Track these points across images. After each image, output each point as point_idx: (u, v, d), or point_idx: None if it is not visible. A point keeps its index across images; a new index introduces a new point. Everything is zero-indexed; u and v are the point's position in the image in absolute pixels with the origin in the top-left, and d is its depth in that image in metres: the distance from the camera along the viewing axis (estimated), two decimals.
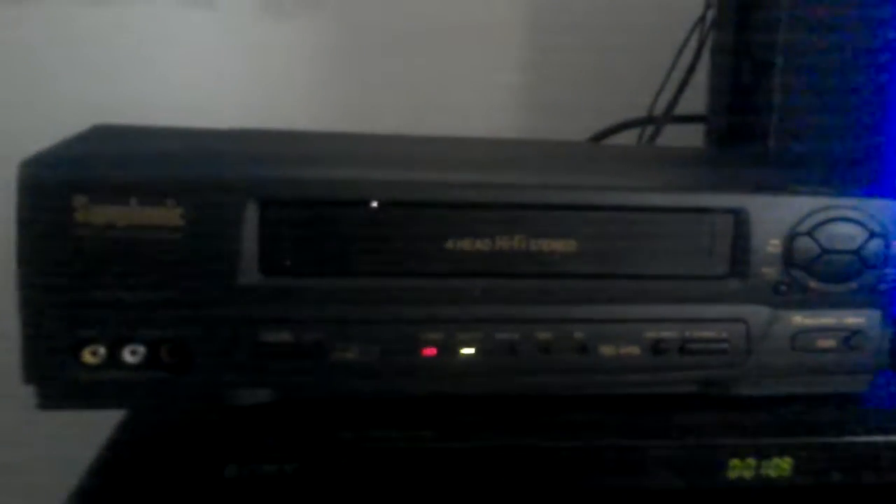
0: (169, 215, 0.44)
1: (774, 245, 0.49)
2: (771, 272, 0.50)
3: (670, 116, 0.77)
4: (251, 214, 0.45)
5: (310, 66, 0.88)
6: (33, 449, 0.76)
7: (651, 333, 0.49)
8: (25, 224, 0.43)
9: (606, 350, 0.49)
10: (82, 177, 0.43)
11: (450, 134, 0.68)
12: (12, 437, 0.78)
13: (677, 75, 0.77)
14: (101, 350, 0.45)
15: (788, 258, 0.50)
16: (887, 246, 0.51)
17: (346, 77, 0.88)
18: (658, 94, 0.79)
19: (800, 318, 0.51)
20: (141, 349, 0.45)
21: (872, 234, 0.50)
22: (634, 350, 0.49)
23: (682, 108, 0.78)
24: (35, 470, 0.73)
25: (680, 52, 0.78)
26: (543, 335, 0.48)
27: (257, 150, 0.56)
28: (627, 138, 0.82)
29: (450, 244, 0.47)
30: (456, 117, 0.86)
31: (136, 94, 0.83)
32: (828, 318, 0.51)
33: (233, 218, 0.45)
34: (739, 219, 0.49)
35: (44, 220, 0.43)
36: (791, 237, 0.49)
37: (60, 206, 0.43)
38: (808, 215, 0.50)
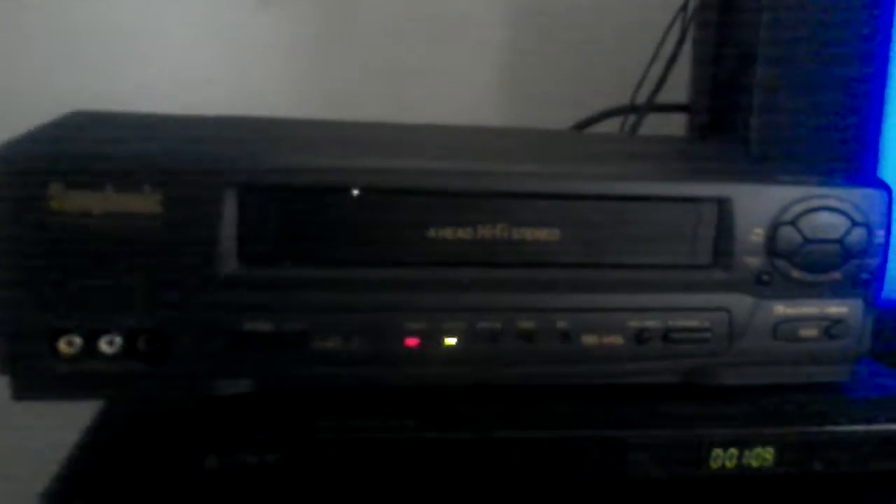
0: (146, 202, 0.43)
1: (758, 234, 0.49)
2: (754, 261, 0.50)
3: (653, 105, 0.77)
4: (230, 201, 0.44)
5: (290, 53, 0.87)
6: (8, 440, 0.75)
7: (634, 323, 0.49)
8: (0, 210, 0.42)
9: (589, 339, 0.49)
10: (58, 163, 0.43)
11: (432, 122, 0.67)
12: None
13: (659, 64, 0.77)
14: (78, 340, 0.44)
15: (771, 247, 0.50)
16: (870, 235, 0.51)
17: (327, 65, 0.88)
18: (640, 83, 0.79)
19: (782, 308, 0.51)
20: (118, 339, 0.45)
21: (855, 224, 0.50)
22: (617, 339, 0.49)
23: (665, 97, 0.77)
24: (11, 461, 0.72)
25: (662, 41, 0.78)
26: (526, 324, 0.48)
27: (237, 136, 0.55)
28: (610, 127, 0.81)
29: (432, 232, 0.47)
30: (438, 105, 0.85)
31: (113, 82, 0.82)
32: (810, 308, 0.51)
33: (211, 205, 0.44)
34: (723, 208, 0.49)
35: (18, 207, 0.42)
36: (774, 226, 0.49)
37: (35, 193, 0.42)
38: (792, 204, 0.50)
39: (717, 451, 0.49)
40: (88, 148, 0.46)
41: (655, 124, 0.79)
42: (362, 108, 0.81)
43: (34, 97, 0.77)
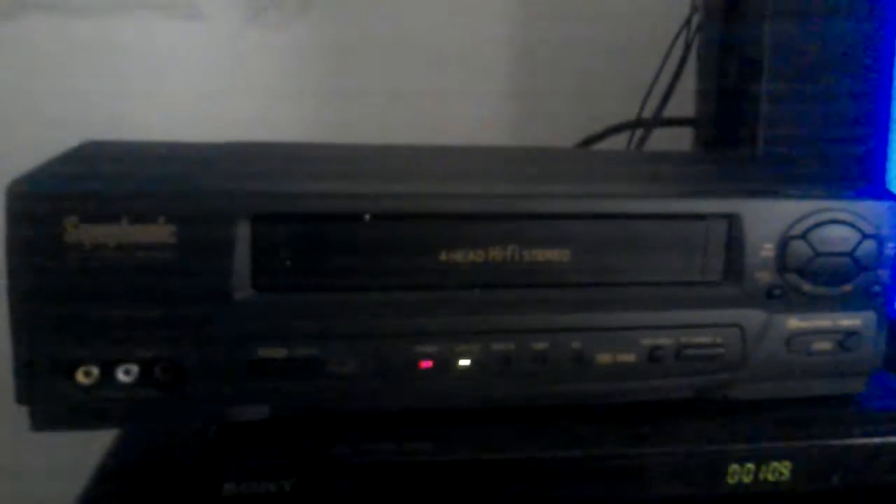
0: (160, 233, 0.44)
1: (768, 249, 0.49)
2: (765, 276, 0.50)
3: (659, 120, 0.77)
4: (243, 230, 0.45)
5: (297, 77, 0.88)
6: (26, 469, 0.76)
7: (647, 340, 0.49)
8: (15, 245, 0.43)
9: (602, 358, 0.49)
10: (72, 197, 0.43)
11: (438, 142, 0.68)
12: (6, 458, 0.77)
13: (665, 79, 0.77)
14: (95, 370, 0.44)
15: (782, 262, 0.50)
16: (880, 247, 0.51)
17: (333, 88, 0.88)
18: (646, 98, 0.79)
19: (795, 322, 0.51)
20: (134, 368, 0.45)
21: (865, 236, 0.50)
22: (630, 357, 0.49)
23: (671, 111, 0.78)
24: (29, 490, 0.72)
25: (667, 55, 0.78)
26: (539, 345, 0.48)
27: (247, 163, 0.56)
28: (617, 142, 0.81)
29: (443, 256, 0.47)
30: (444, 125, 0.86)
31: (122, 108, 0.82)
32: (823, 321, 0.51)
33: (224, 234, 0.44)
34: (733, 224, 0.49)
35: (34, 241, 0.43)
36: (784, 241, 0.49)
37: (50, 227, 0.43)
38: (801, 219, 0.50)
39: (734, 467, 0.49)
40: (102, 181, 0.46)
41: (662, 138, 0.80)
42: (369, 131, 0.81)
43: (40, 125, 0.78)
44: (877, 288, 0.51)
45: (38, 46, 0.83)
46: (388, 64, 0.88)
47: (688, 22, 0.77)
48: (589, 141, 0.80)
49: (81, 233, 0.43)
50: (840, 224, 0.50)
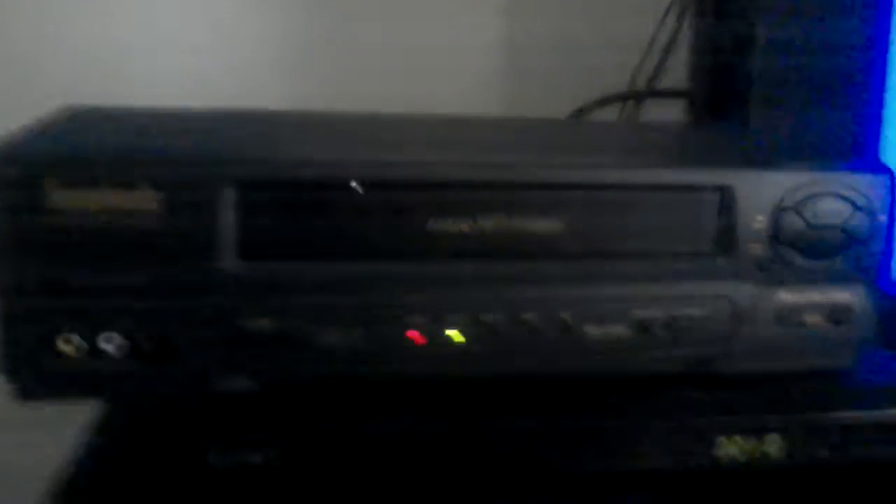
0: (143, 199, 0.43)
1: (760, 221, 0.49)
2: (757, 249, 0.49)
3: (652, 91, 0.77)
4: (228, 197, 0.44)
5: (283, 43, 0.87)
6: (12, 437, 0.75)
7: (637, 312, 0.49)
8: None
9: (592, 330, 0.48)
10: (53, 161, 0.42)
11: (428, 111, 0.67)
12: None
13: (658, 50, 0.77)
14: (78, 340, 0.44)
15: (774, 234, 0.49)
16: (873, 220, 0.50)
17: (320, 52, 0.87)
18: (638, 68, 0.78)
19: (786, 295, 0.51)
20: (119, 338, 0.44)
21: (858, 209, 0.50)
22: (620, 330, 0.49)
23: (664, 82, 0.77)
24: (14, 459, 0.72)
25: (660, 25, 0.77)
26: (528, 316, 0.48)
27: (232, 130, 0.55)
28: (609, 114, 0.81)
29: (431, 225, 0.47)
30: (434, 94, 0.85)
31: (105, 74, 0.81)
32: (814, 294, 0.51)
33: (209, 201, 0.44)
34: (725, 195, 0.49)
35: (14, 205, 0.42)
36: (777, 213, 0.49)
37: (31, 191, 0.42)
38: (794, 191, 0.49)
39: (723, 440, 0.49)
40: (84, 145, 0.46)
41: (655, 110, 0.79)
42: (357, 99, 0.80)
43: (26, 92, 0.76)
44: (868, 261, 0.51)
45: (20, 12, 0.82)
46: (377, 32, 0.87)
47: None
48: (581, 112, 0.79)
49: (62, 197, 0.42)
50: (833, 196, 0.50)
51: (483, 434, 0.47)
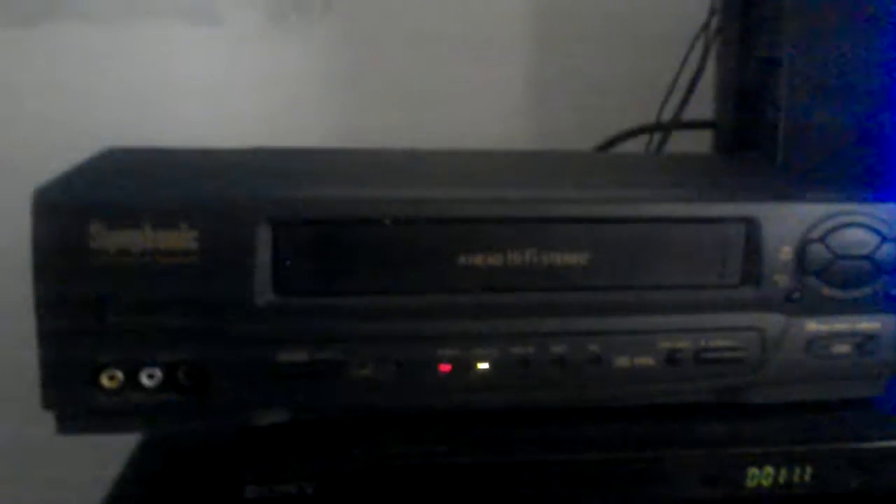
0: (183, 238, 0.44)
1: (787, 252, 0.49)
2: (784, 279, 0.50)
3: (678, 123, 0.77)
4: (264, 235, 0.45)
5: (314, 81, 0.88)
6: (53, 472, 0.77)
7: (665, 344, 0.49)
8: (42, 250, 0.44)
9: (621, 361, 0.49)
10: (97, 204, 0.44)
11: (457, 145, 0.68)
12: (31, 461, 0.78)
13: (683, 82, 0.77)
14: (119, 374, 0.45)
15: (801, 265, 0.50)
16: None
17: (353, 91, 0.88)
18: (665, 101, 0.79)
19: (814, 325, 0.51)
20: (158, 372, 0.45)
21: (885, 239, 0.50)
22: (649, 361, 0.49)
23: (689, 114, 0.78)
24: (55, 494, 0.73)
25: (685, 58, 0.78)
26: (558, 348, 0.48)
27: (267, 169, 0.56)
28: (635, 145, 0.82)
29: (462, 260, 0.47)
30: (463, 128, 0.86)
31: (144, 114, 0.83)
32: (842, 324, 0.51)
33: (246, 239, 0.45)
34: (751, 227, 0.49)
35: (60, 247, 0.44)
36: (803, 244, 0.49)
37: (76, 233, 0.43)
38: (820, 222, 0.50)
39: (754, 471, 0.49)
40: (126, 188, 0.47)
41: (681, 142, 0.80)
42: (387, 135, 0.82)
43: (67, 133, 0.79)
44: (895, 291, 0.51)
45: (60, 53, 0.84)
46: (406, 68, 0.88)
47: (706, 24, 0.77)
48: (607, 144, 0.80)
49: (106, 238, 0.43)
50: (859, 227, 0.50)
51: (514, 465, 0.48)
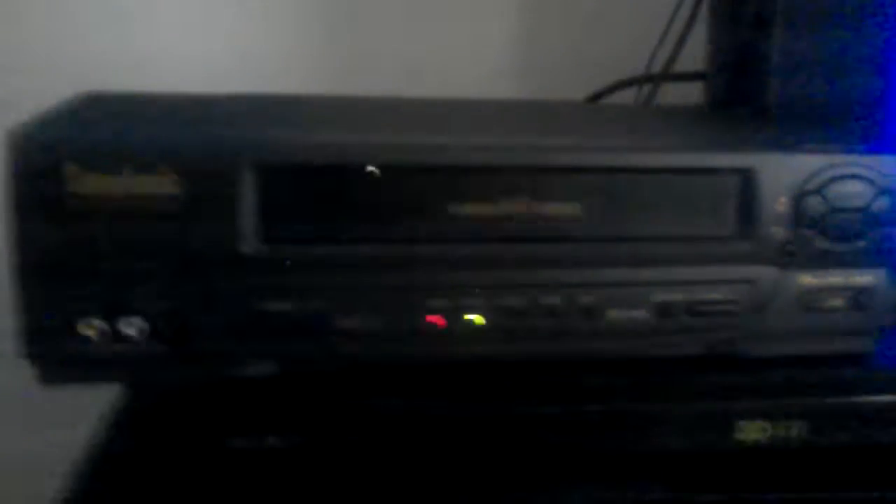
0: (164, 183, 0.43)
1: (782, 204, 0.49)
2: (779, 232, 0.49)
3: (669, 74, 0.76)
4: (249, 181, 0.44)
5: (302, 28, 0.86)
6: (30, 425, 0.76)
7: (658, 296, 0.49)
8: (15, 196, 0.42)
9: (613, 314, 0.48)
10: (73, 145, 0.42)
11: (445, 95, 0.67)
12: (10, 412, 0.77)
13: (675, 32, 0.76)
14: (99, 323, 0.44)
15: (797, 217, 0.49)
16: (895, 203, 0.50)
17: (338, 39, 0.87)
18: (655, 51, 0.77)
19: (808, 278, 0.50)
20: (139, 321, 0.44)
21: (881, 191, 0.49)
22: (642, 313, 0.48)
23: (681, 65, 0.76)
24: (34, 446, 0.73)
25: (677, 7, 0.77)
26: (549, 300, 0.47)
27: (252, 114, 0.55)
28: (625, 97, 0.80)
29: (452, 208, 0.46)
30: (450, 78, 0.84)
31: (123, 58, 0.81)
32: (836, 278, 0.51)
33: (230, 185, 0.43)
34: (746, 178, 0.48)
35: (35, 192, 0.42)
36: (799, 196, 0.49)
37: (51, 177, 0.42)
38: (817, 173, 0.49)
39: (745, 423, 0.48)
40: (104, 130, 0.46)
41: (671, 94, 0.78)
42: (373, 81, 0.80)
43: (41, 74, 0.76)
44: (891, 244, 0.51)
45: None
46: (392, 14, 0.87)
47: None
48: (597, 96, 0.79)
49: (83, 182, 0.42)
50: (856, 179, 0.49)
51: (503, 418, 0.47)
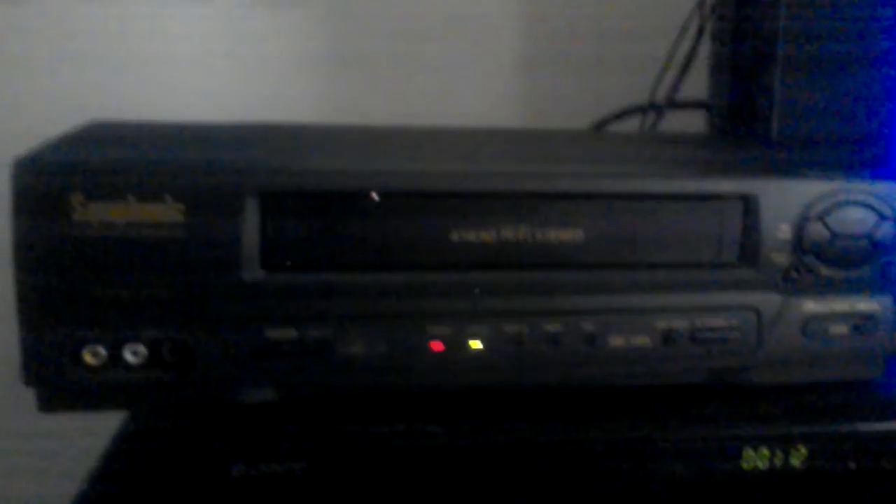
0: (168, 211, 0.43)
1: (784, 231, 0.49)
2: (781, 258, 0.49)
3: (672, 103, 0.76)
4: (252, 208, 0.44)
5: (305, 58, 0.87)
6: (33, 451, 0.76)
7: (661, 323, 0.49)
8: (22, 223, 0.42)
9: (616, 341, 0.48)
10: (79, 174, 0.42)
11: (448, 124, 0.67)
12: (14, 439, 0.77)
13: (678, 61, 0.76)
14: (102, 350, 0.44)
15: (799, 244, 0.49)
16: None
17: (343, 69, 0.87)
18: (658, 80, 0.78)
19: (811, 305, 0.50)
20: (142, 349, 0.44)
21: (883, 218, 0.50)
22: (644, 340, 0.48)
23: (683, 93, 0.77)
24: (37, 472, 0.72)
25: (680, 37, 0.77)
26: (551, 327, 0.47)
27: (255, 142, 0.55)
28: (628, 126, 0.81)
29: (454, 235, 0.46)
30: (455, 108, 0.85)
31: (131, 90, 0.82)
32: (839, 305, 0.50)
33: (233, 212, 0.44)
34: (749, 204, 0.48)
35: (40, 219, 0.42)
36: (801, 222, 0.49)
37: (57, 204, 0.42)
38: (818, 200, 0.49)
39: (749, 452, 0.48)
40: (108, 158, 0.46)
41: (675, 121, 0.79)
42: (378, 112, 0.81)
43: (50, 106, 0.77)
44: (894, 271, 0.50)
45: (47, 30, 0.83)
46: (396, 45, 0.87)
47: (701, 3, 0.76)
48: (601, 124, 0.79)
49: (88, 210, 0.42)
50: (858, 206, 0.49)
51: (506, 446, 0.47)
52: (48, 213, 0.42)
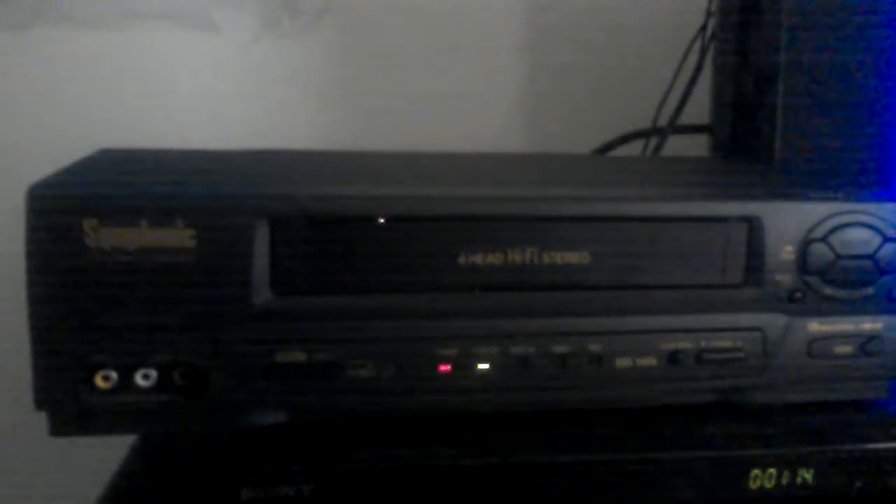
0: (179, 236, 0.44)
1: (789, 252, 0.49)
2: (786, 279, 0.49)
3: (675, 127, 0.77)
4: (262, 233, 0.44)
5: (311, 85, 0.88)
6: (45, 474, 0.76)
7: (667, 344, 0.49)
8: (35, 249, 0.43)
9: (622, 362, 0.48)
10: (91, 200, 0.43)
11: (454, 150, 0.68)
12: (23, 463, 0.77)
13: (680, 86, 0.77)
14: (113, 374, 0.44)
15: (803, 265, 0.49)
16: None
17: (347, 96, 0.88)
18: (661, 104, 0.79)
19: (816, 325, 0.50)
20: (153, 373, 0.45)
21: (887, 239, 0.50)
22: (651, 361, 0.49)
23: (686, 118, 0.77)
24: (48, 496, 0.72)
25: (682, 62, 0.78)
26: (559, 348, 0.48)
27: (264, 168, 0.56)
28: (631, 150, 0.81)
29: (462, 259, 0.47)
30: (458, 134, 0.86)
31: (139, 118, 0.83)
32: (844, 325, 0.51)
33: (243, 237, 0.44)
34: (753, 226, 0.49)
35: (54, 245, 0.43)
36: (805, 244, 0.49)
37: (70, 231, 0.43)
38: (822, 221, 0.49)
39: (756, 472, 0.48)
40: (121, 185, 0.47)
41: (677, 147, 0.79)
42: (383, 139, 0.81)
43: (55, 135, 0.78)
44: None
45: (53, 57, 0.84)
46: (400, 72, 0.88)
47: (703, 28, 0.77)
48: (604, 148, 0.80)
49: (101, 236, 0.43)
50: (861, 227, 0.50)
51: (514, 467, 0.47)
52: (62, 238, 0.43)
